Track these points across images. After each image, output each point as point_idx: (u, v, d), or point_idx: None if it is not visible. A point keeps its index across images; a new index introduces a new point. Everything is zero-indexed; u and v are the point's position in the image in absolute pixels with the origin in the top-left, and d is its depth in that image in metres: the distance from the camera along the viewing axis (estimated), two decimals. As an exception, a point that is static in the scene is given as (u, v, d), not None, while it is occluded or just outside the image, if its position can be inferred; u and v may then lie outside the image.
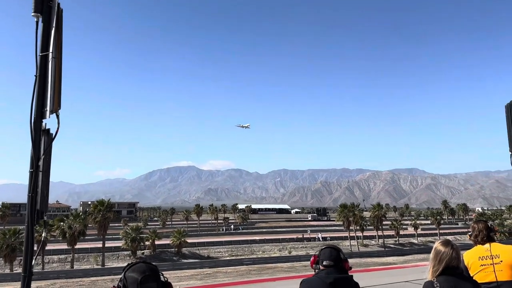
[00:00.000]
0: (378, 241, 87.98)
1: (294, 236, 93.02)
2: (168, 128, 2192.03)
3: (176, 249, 70.30)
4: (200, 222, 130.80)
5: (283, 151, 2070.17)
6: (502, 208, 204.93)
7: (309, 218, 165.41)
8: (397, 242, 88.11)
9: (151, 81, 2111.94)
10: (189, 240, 74.02)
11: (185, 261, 66.31)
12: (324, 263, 3.34)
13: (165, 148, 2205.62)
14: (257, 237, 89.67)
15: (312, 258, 3.47)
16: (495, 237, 4.83)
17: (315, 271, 3.44)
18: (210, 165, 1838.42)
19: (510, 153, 7.69)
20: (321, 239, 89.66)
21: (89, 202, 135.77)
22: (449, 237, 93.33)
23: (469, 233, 4.89)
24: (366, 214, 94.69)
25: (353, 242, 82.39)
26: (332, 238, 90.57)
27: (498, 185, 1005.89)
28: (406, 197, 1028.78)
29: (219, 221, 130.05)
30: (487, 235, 4.66)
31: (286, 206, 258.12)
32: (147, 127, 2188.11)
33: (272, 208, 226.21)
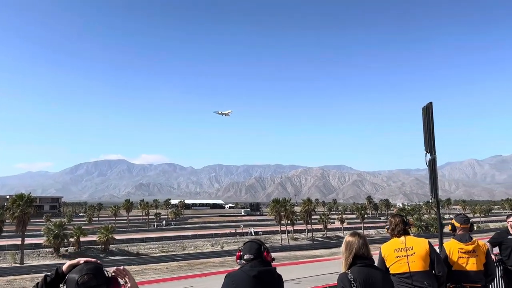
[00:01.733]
0: (307, 234, 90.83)
1: (227, 231, 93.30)
2: (97, 119, 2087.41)
3: (103, 246, 67.18)
4: (130, 218, 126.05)
5: (219, 146, 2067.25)
6: (421, 203, 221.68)
7: (243, 213, 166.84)
8: (325, 236, 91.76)
9: (78, 68, 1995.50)
10: (118, 237, 71.09)
11: (112, 258, 63.54)
12: (246, 257, 3.43)
13: (93, 140, 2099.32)
14: (189, 233, 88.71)
15: (237, 253, 3.54)
16: (410, 231, 5.07)
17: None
18: (142, 159, 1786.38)
19: (425, 152, 8.35)
20: (253, 233, 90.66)
21: (7, 196, 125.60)
22: (372, 231, 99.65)
23: (387, 227, 5.08)
24: (297, 209, 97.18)
25: (284, 236, 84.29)
26: (264, 233, 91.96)
27: (417, 182, 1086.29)
28: (334, 192, 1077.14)
29: (150, 217, 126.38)
30: (402, 229, 4.85)
31: (220, 201, 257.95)
32: (73, 117, 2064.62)
33: (206, 203, 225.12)
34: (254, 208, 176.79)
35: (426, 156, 8.21)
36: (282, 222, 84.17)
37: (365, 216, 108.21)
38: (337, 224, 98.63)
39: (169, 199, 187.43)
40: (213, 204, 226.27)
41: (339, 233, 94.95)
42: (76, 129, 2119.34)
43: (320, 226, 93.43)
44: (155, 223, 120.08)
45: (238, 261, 3.49)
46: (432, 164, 8.06)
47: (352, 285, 3.50)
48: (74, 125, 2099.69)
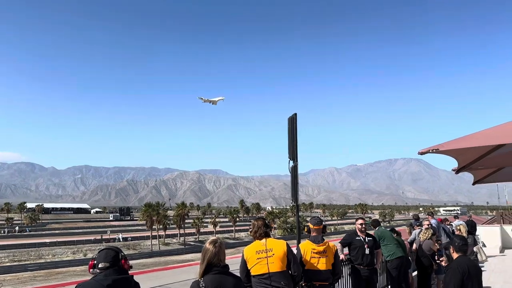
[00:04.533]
0: (180, 239, 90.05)
1: (92, 237, 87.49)
2: None
3: None
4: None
5: (87, 145, 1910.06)
6: (287, 207, 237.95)
7: (111, 218, 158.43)
8: (197, 240, 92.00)
9: None
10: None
11: None
12: (100, 265, 3.19)
13: None
14: (47, 240, 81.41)
15: (90, 262, 3.26)
16: (271, 233, 5.33)
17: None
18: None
19: (289, 159, 9.01)
20: (121, 239, 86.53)
21: None
22: (242, 233, 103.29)
23: (250, 230, 5.25)
24: (171, 213, 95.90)
25: (155, 241, 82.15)
26: (133, 238, 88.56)
27: (285, 187, 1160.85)
28: (209, 196, 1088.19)
29: (0, 222, 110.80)
30: (264, 231, 5.03)
31: (85, 206, 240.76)
32: None
33: (69, 208, 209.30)
34: (124, 212, 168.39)
35: (289, 163, 8.86)
36: (154, 226, 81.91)
37: (237, 219, 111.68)
38: (210, 227, 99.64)
39: (25, 203, 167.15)
40: (78, 208, 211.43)
41: (212, 237, 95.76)
42: None
43: (193, 230, 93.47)
44: (5, 229, 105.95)
45: (91, 270, 3.22)
46: (294, 171, 8.71)
47: None
48: None
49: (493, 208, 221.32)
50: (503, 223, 21.94)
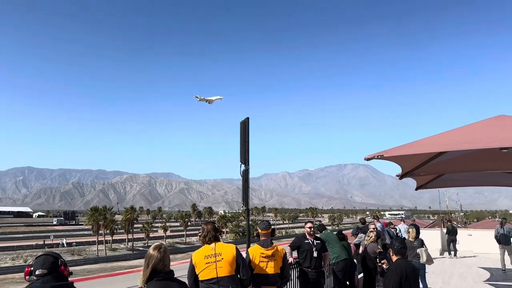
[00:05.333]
0: (128, 244, 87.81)
1: (33, 242, 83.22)
2: None
3: None
4: None
5: (30, 146, 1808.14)
6: (240, 211, 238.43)
7: (55, 222, 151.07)
8: (146, 245, 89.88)
9: None
10: None
11: None
12: (38, 272, 2.99)
13: None
14: (-18, 246, 75.63)
15: (26, 269, 3.05)
16: (221, 237, 5.27)
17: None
18: None
19: (240, 163, 9.03)
20: (65, 244, 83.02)
21: None
22: (193, 238, 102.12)
23: (199, 234, 5.16)
24: (119, 217, 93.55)
25: (101, 247, 79.46)
26: (78, 243, 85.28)
27: (238, 191, 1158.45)
28: (160, 200, 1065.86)
29: None
30: (214, 236, 4.98)
31: (27, 209, 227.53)
32: None
33: (8, 211, 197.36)
34: (69, 216, 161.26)
35: (241, 167, 8.87)
36: (100, 231, 79.25)
37: (189, 223, 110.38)
38: (160, 232, 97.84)
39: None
40: (18, 212, 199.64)
41: (162, 242, 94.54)
42: None
43: (142, 235, 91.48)
44: None
45: (27, 277, 3.02)
46: (245, 175, 8.73)
47: None
48: None
49: (435, 212, 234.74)
50: (443, 227, 23.15)
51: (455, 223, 29.30)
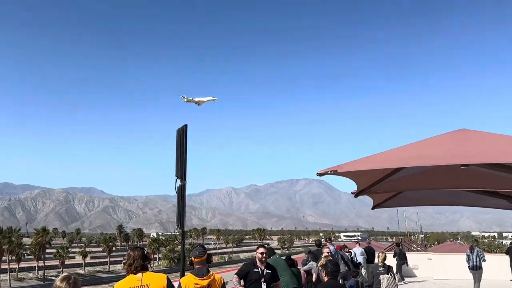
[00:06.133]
0: (38, 273, 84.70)
1: None
2: None
3: None
4: None
5: None
6: (175, 233, 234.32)
7: None
8: (61, 274, 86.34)
9: None
10: None
11: None
12: None
13: None
14: None
15: None
16: (150, 266, 5.10)
17: None
18: None
19: (175, 178, 8.80)
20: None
21: None
22: (119, 266, 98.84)
23: (124, 261, 4.97)
24: (28, 240, 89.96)
25: (5, 276, 76.29)
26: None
27: (174, 210, 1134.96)
28: (79, 220, 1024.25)
29: None
30: (141, 264, 4.82)
31: None
32: None
33: None
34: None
35: (176, 182, 8.64)
36: (4, 258, 76.11)
37: (114, 248, 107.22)
38: (79, 259, 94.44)
39: None
40: None
41: (80, 270, 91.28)
42: None
43: (56, 262, 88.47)
44: None
45: None
46: (181, 191, 8.50)
47: None
48: None
49: (393, 234, 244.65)
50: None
51: (405, 246, 30.76)
